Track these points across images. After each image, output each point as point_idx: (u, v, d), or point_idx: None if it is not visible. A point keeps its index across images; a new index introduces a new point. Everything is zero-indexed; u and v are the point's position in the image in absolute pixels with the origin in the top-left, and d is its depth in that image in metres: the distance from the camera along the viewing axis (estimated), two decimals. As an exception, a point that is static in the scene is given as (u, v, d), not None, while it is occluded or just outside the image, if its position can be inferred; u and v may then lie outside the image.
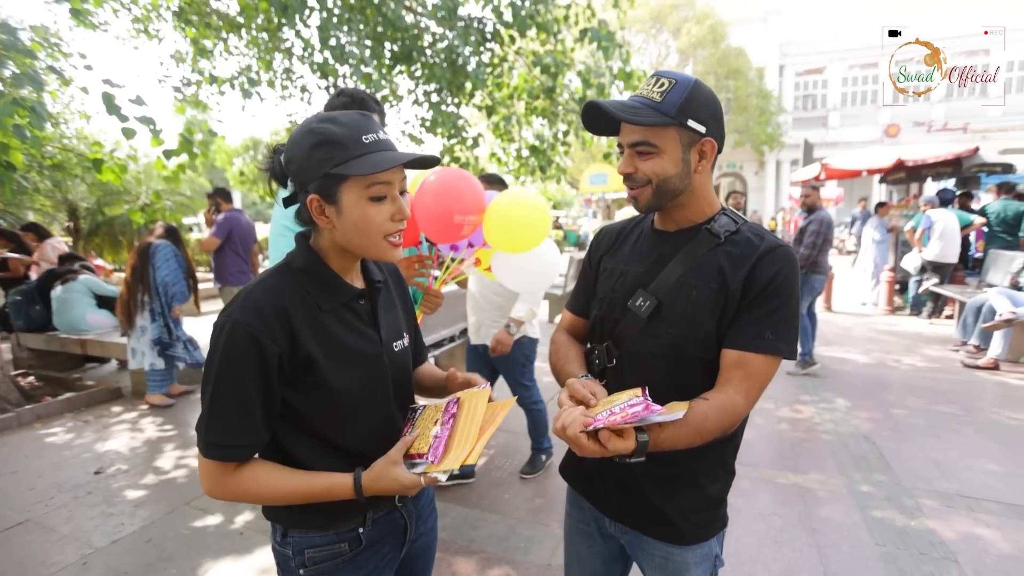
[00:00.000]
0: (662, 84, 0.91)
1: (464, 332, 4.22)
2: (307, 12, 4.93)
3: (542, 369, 3.21)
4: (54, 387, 4.59)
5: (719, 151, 0.97)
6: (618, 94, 5.81)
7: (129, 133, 3.86)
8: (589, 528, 1.14)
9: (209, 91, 6.50)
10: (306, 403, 0.88)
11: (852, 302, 8.17)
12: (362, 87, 4.99)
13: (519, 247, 1.84)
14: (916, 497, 2.62)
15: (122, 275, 4.97)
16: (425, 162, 0.90)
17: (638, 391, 0.82)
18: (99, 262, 10.47)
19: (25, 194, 9.06)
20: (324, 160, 0.81)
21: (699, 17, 19.78)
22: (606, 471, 1.06)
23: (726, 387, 0.90)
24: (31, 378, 4.80)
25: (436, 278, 1.86)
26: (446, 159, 5.99)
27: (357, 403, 0.91)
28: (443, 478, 0.81)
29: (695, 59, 20.61)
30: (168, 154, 4.25)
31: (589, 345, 1.10)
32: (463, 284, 2.85)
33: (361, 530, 0.96)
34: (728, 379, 0.90)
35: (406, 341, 1.05)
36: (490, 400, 0.96)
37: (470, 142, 6.14)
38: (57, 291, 4.82)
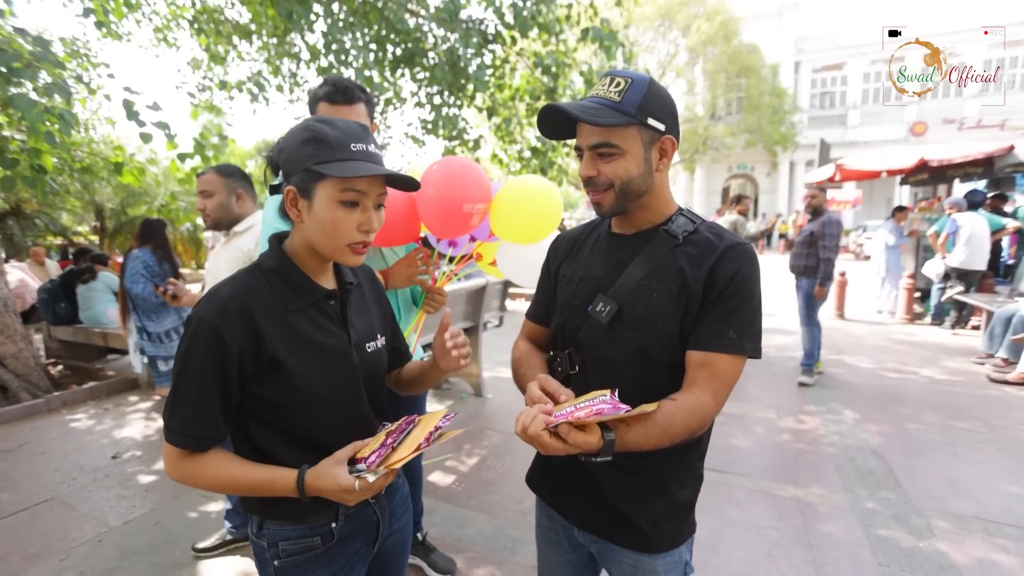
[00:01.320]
0: (619, 84, 0.90)
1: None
2: (312, 18, 5.04)
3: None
4: (79, 376, 4.92)
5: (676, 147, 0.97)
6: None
7: (146, 137, 4.04)
8: (558, 537, 1.14)
9: (221, 96, 6.70)
10: (276, 400, 0.90)
11: (867, 310, 7.94)
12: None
13: (528, 237, 1.75)
14: (927, 517, 2.51)
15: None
16: (404, 183, 0.92)
17: (607, 392, 0.81)
18: (122, 260, 10.84)
19: (58, 196, 9.43)
20: (309, 155, 0.85)
21: (709, 13, 19.47)
22: (572, 479, 1.05)
23: (693, 388, 0.88)
24: (60, 367, 5.15)
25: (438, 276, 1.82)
26: None
27: (326, 401, 0.93)
28: (371, 478, 0.82)
29: (705, 57, 20.31)
30: (182, 157, 4.41)
31: (552, 353, 1.10)
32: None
33: (334, 525, 0.97)
34: (694, 380, 0.89)
35: (381, 343, 1.06)
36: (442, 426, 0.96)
37: (471, 143, 6.17)
38: (81, 288, 5.17)
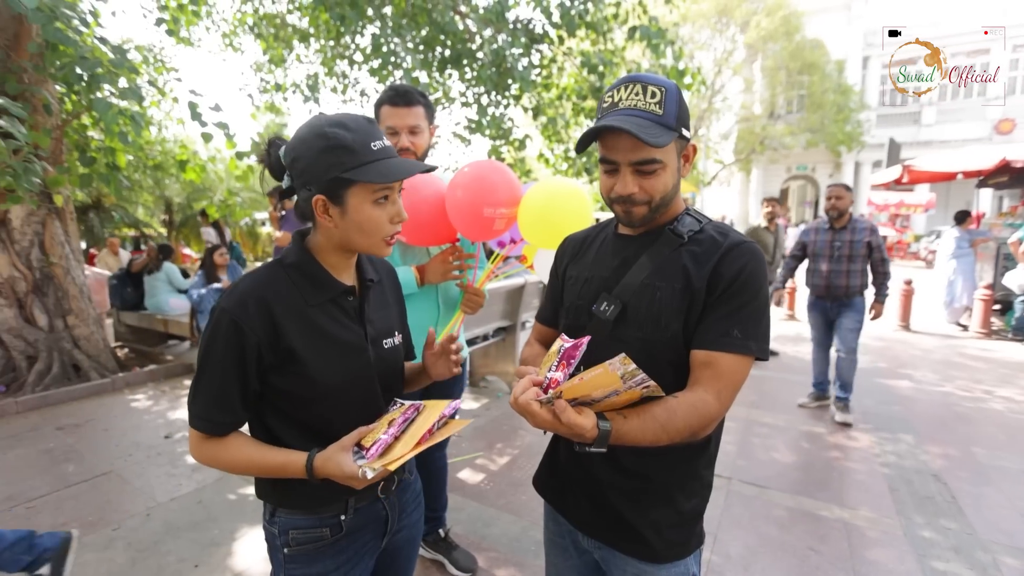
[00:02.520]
0: (654, 94, 0.87)
1: (499, 331, 4.24)
2: (363, 22, 5.20)
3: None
4: (142, 359, 5.30)
5: None
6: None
7: (207, 137, 4.29)
8: (564, 542, 1.12)
9: (277, 98, 7.05)
10: (292, 391, 0.93)
11: (935, 321, 7.33)
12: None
13: (555, 243, 1.74)
14: (993, 552, 2.28)
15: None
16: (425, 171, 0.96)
17: (559, 340, 0.80)
18: (187, 251, 11.62)
19: (132, 191, 10.19)
20: (334, 164, 0.86)
21: (770, 8, 18.59)
22: (577, 483, 1.04)
23: (696, 387, 0.87)
24: (126, 350, 5.59)
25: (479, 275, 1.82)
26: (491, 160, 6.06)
27: (341, 395, 0.95)
28: (370, 474, 0.83)
29: (764, 53, 19.42)
30: (240, 155, 4.66)
31: None
32: None
33: (343, 517, 1.00)
34: (698, 379, 0.88)
35: (398, 339, 1.08)
36: (452, 417, 0.97)
37: (517, 143, 6.18)
38: (147, 278, 5.65)
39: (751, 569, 2.17)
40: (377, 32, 5.29)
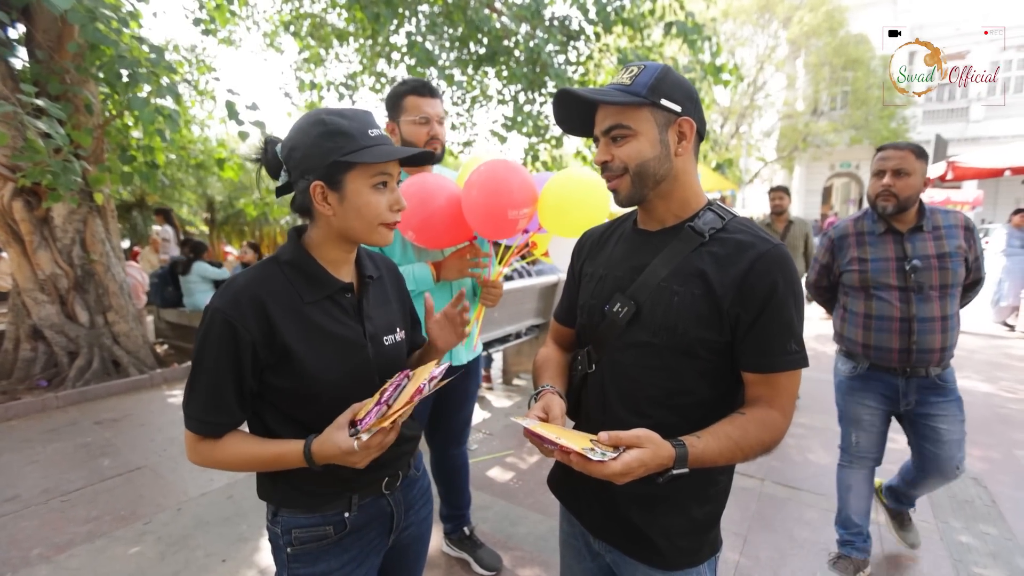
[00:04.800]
0: (632, 70, 0.90)
1: (532, 328, 4.23)
2: (397, 21, 5.27)
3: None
4: (181, 356, 5.41)
5: (701, 136, 0.93)
6: (709, 89, 5.53)
7: (243, 136, 4.35)
8: (578, 544, 1.09)
9: (313, 96, 7.17)
10: (291, 390, 0.91)
11: (982, 321, 6.97)
12: (444, 86, 5.25)
13: (578, 230, 1.76)
14: (1033, 559, 2.17)
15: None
16: (422, 159, 0.95)
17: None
18: (228, 248, 11.99)
19: (175, 189, 10.55)
20: (333, 149, 0.86)
21: (813, 4, 17.99)
22: (588, 485, 0.98)
23: (758, 405, 0.87)
24: (165, 346, 5.74)
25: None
26: (528, 158, 6.05)
27: (340, 392, 0.93)
28: (365, 437, 0.83)
29: (807, 49, 18.84)
30: (276, 153, 4.78)
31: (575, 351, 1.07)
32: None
33: (346, 514, 0.98)
34: (757, 397, 0.88)
35: (399, 336, 1.06)
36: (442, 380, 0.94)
37: (553, 140, 6.15)
38: (181, 278, 5.73)
39: (780, 572, 2.10)
40: (412, 30, 5.35)
